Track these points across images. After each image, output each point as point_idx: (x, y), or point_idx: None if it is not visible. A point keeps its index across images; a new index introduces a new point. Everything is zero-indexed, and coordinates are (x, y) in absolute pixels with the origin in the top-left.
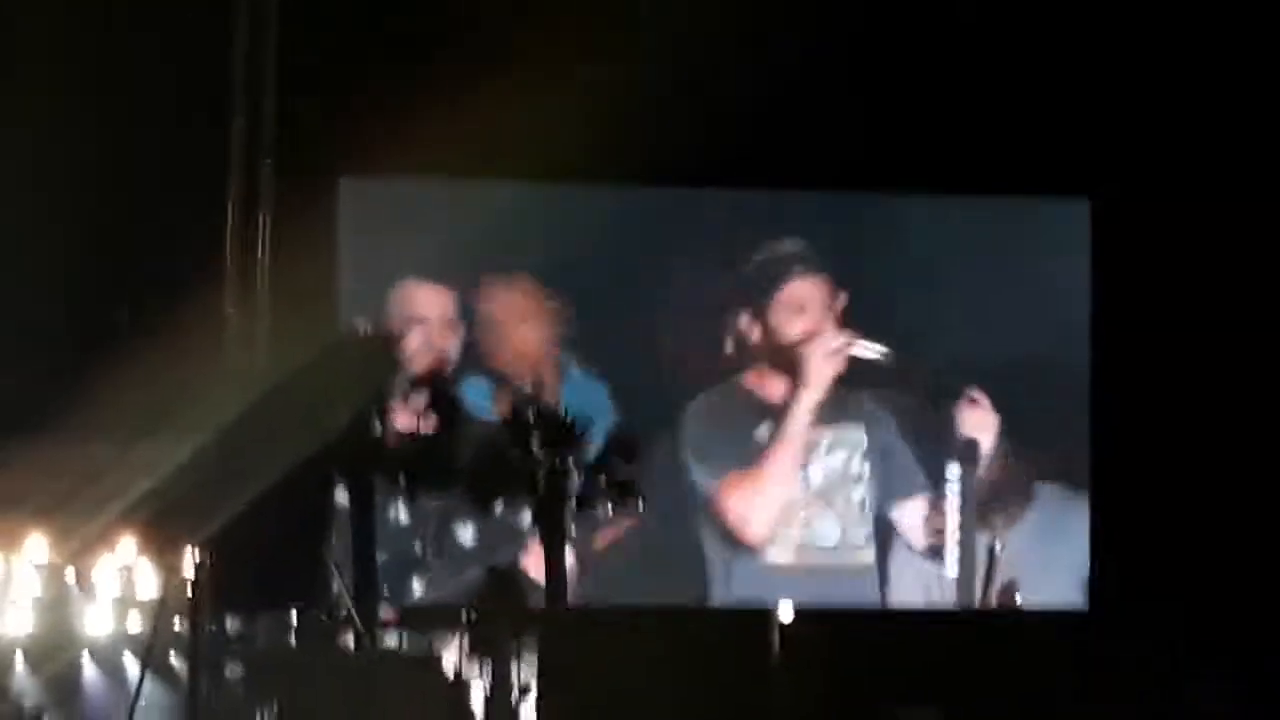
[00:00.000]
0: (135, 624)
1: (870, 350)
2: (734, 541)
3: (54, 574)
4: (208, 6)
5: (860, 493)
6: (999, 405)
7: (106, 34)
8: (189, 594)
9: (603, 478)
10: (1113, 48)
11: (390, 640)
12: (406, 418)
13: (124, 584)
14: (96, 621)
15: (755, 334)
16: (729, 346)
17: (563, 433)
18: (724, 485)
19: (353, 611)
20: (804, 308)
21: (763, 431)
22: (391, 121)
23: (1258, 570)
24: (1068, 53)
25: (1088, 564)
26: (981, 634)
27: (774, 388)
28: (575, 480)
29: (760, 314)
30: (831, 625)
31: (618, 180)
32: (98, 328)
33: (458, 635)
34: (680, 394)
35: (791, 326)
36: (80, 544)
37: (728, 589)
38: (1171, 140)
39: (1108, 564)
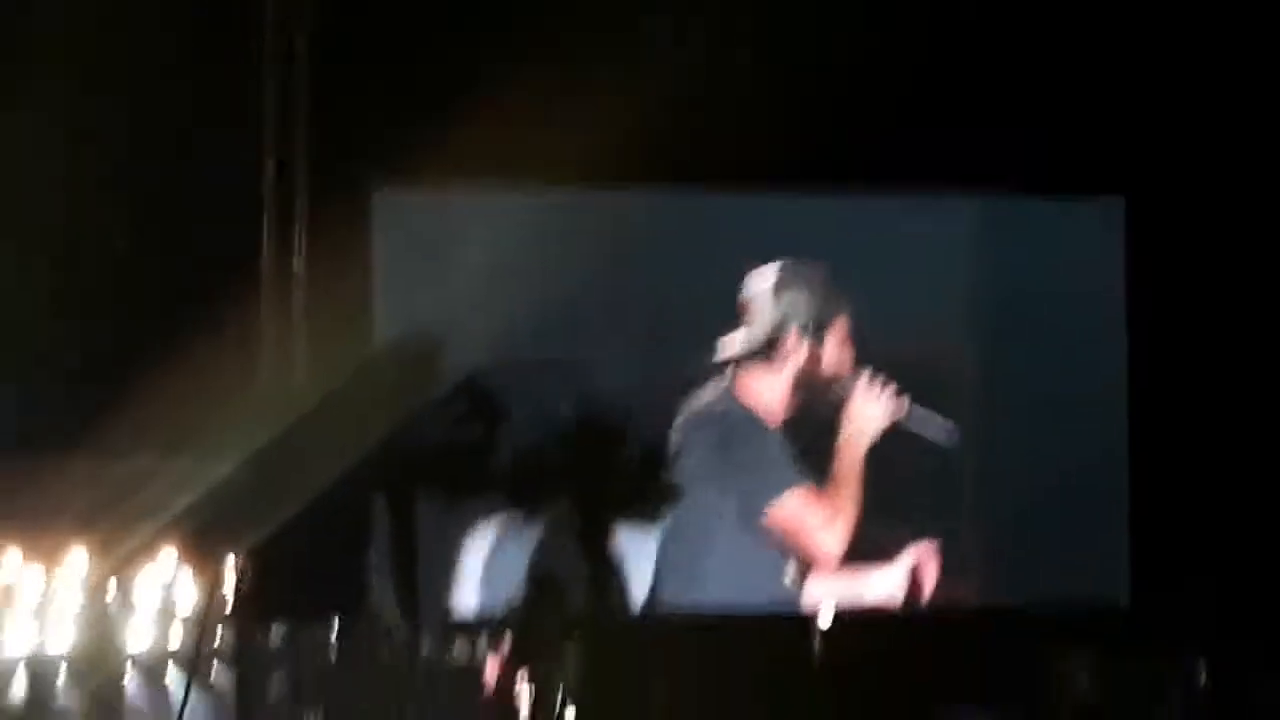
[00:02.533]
0: (178, 637)
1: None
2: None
3: (95, 588)
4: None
5: None
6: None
7: (132, 36)
8: (231, 606)
9: (646, 483)
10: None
11: (433, 651)
12: (447, 426)
13: (165, 597)
14: (139, 635)
15: (796, 349)
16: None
17: (606, 438)
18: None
19: (396, 622)
20: (847, 343)
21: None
22: (427, 132)
23: None
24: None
25: None
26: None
27: (778, 407)
28: (615, 489)
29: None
30: (868, 629)
31: (651, 183)
32: (135, 340)
33: (502, 645)
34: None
35: (836, 362)
36: (121, 557)
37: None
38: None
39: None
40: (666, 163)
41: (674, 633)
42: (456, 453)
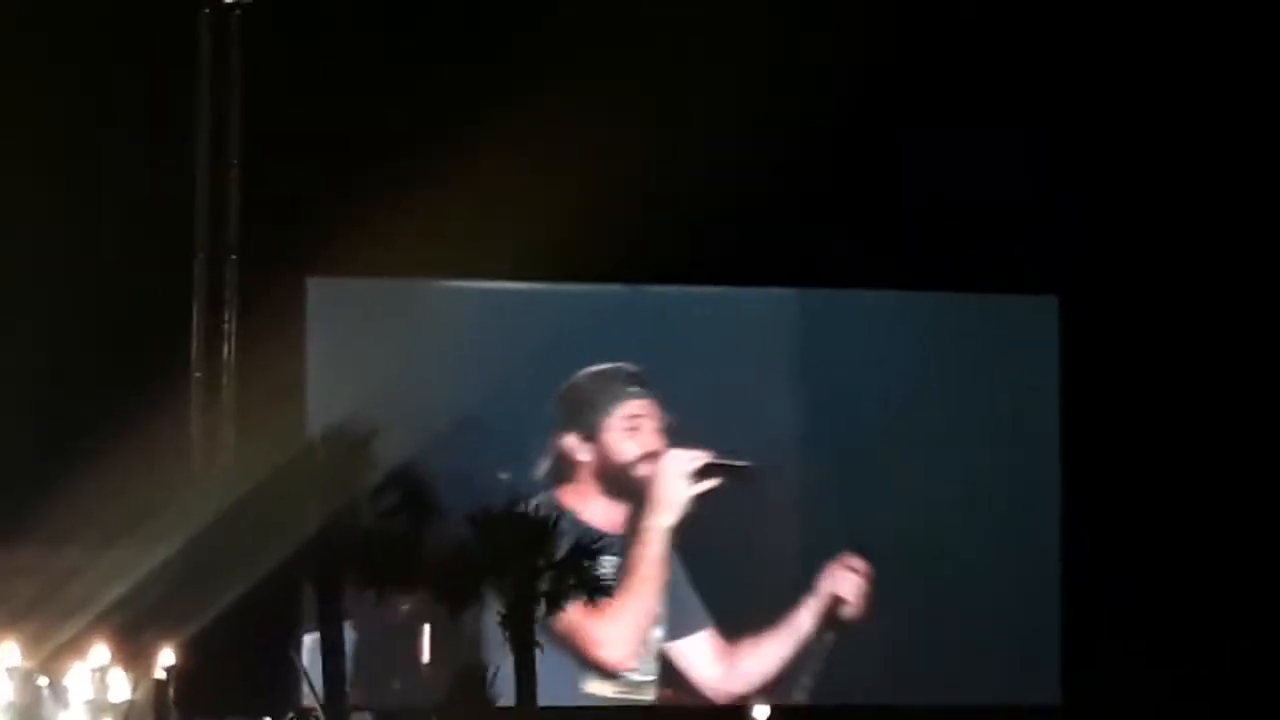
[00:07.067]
0: None
1: (734, 461)
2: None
3: (26, 679)
4: (171, 98)
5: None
6: None
7: (68, 126)
8: (160, 698)
9: (572, 577)
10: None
11: None
12: (376, 518)
13: (96, 688)
14: None
15: (584, 454)
16: (542, 468)
17: (532, 531)
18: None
19: (320, 715)
20: (638, 428)
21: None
22: (359, 221)
23: None
24: None
25: None
26: None
27: (603, 512)
28: (545, 579)
29: (591, 434)
30: None
31: (583, 279)
32: (65, 431)
33: None
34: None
35: (625, 448)
36: (52, 649)
37: None
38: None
39: None
40: (595, 259)
41: None
42: (387, 544)
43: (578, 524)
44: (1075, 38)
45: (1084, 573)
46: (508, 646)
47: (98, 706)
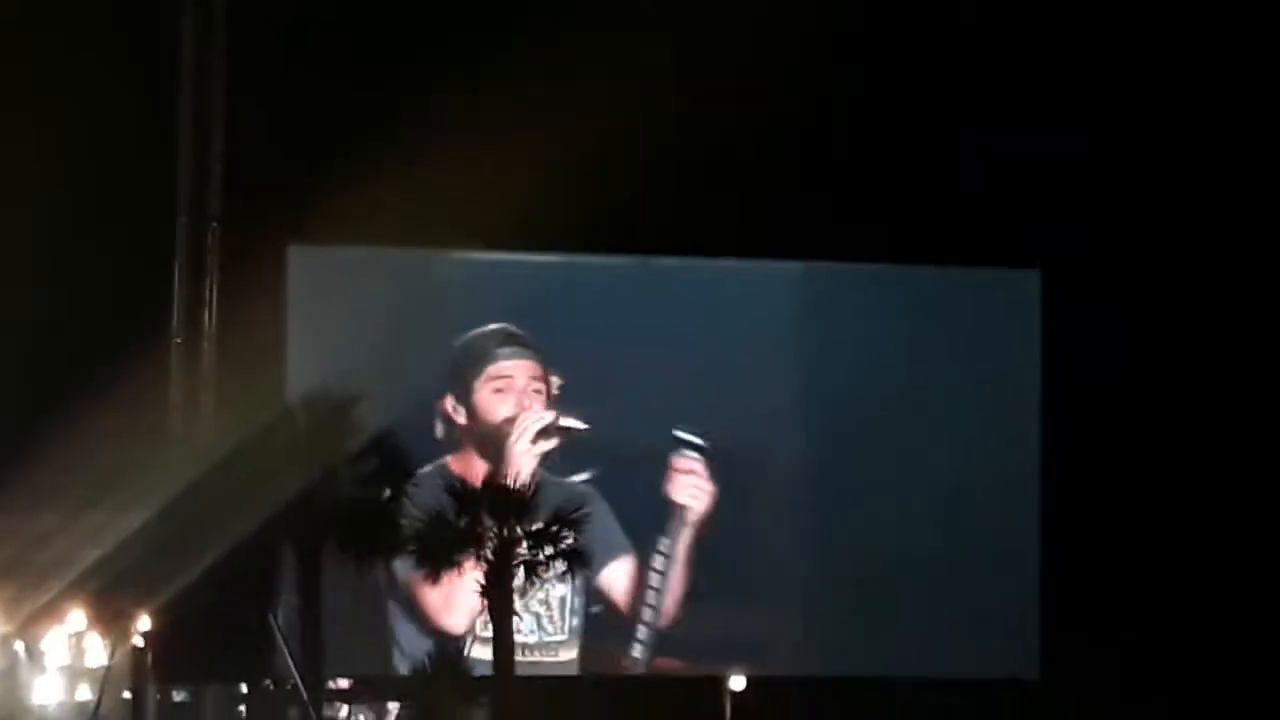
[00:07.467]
0: (84, 693)
1: (571, 423)
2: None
3: (2, 644)
4: (156, 70)
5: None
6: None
7: (53, 94)
8: (137, 664)
9: (550, 546)
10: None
11: (339, 711)
12: (355, 485)
13: (73, 653)
14: (45, 691)
15: (460, 417)
16: (439, 430)
17: (511, 501)
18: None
19: (299, 682)
20: (506, 389)
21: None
22: (340, 190)
23: None
24: None
25: None
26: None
27: (479, 474)
28: (523, 547)
29: (464, 396)
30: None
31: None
32: (44, 395)
33: (405, 705)
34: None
35: (494, 409)
36: (29, 614)
37: None
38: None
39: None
40: (574, 229)
41: (581, 689)
42: (365, 509)
43: (560, 492)
44: (1059, 27)
45: (1063, 549)
46: (486, 615)
47: (74, 671)
